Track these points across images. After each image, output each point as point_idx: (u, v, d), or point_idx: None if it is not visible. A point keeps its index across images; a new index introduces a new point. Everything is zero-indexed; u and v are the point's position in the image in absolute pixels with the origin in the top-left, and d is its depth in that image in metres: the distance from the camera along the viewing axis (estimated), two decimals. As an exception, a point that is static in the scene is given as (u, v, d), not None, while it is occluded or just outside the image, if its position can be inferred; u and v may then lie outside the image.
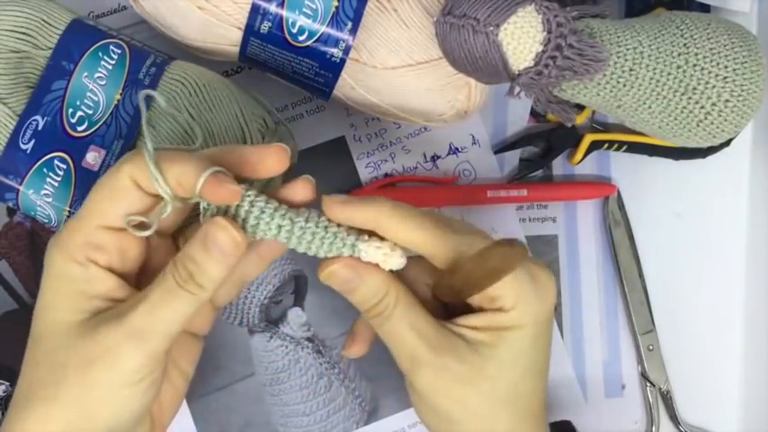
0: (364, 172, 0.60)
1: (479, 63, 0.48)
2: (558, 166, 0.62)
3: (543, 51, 0.47)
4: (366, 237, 0.44)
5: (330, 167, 0.54)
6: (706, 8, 0.62)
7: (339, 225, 0.44)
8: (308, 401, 0.59)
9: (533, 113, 0.62)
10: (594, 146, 0.60)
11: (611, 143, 0.60)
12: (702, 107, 0.50)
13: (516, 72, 0.48)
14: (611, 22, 0.51)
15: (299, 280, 0.59)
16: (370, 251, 0.44)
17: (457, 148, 0.61)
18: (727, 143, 0.60)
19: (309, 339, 0.59)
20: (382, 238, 0.44)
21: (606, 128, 0.62)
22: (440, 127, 0.59)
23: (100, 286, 0.43)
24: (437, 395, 0.45)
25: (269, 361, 0.59)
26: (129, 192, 0.42)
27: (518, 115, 0.62)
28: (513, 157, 0.61)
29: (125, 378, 0.42)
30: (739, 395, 0.63)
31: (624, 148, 0.61)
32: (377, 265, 0.44)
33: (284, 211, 0.43)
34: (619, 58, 0.49)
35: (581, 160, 0.61)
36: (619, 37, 0.49)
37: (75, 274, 0.42)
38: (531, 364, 0.45)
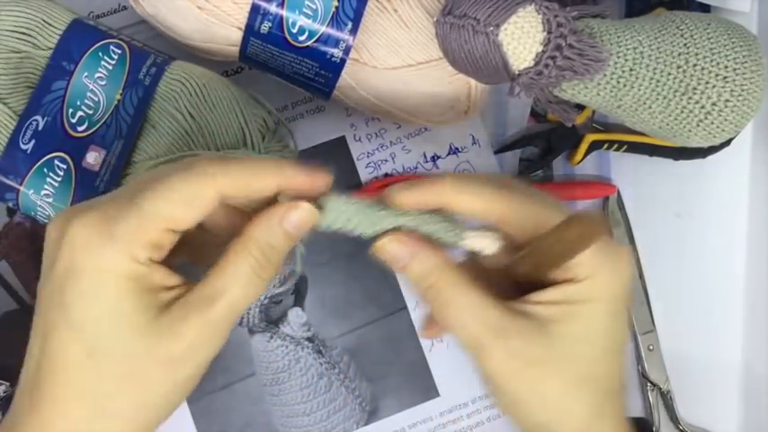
0: (364, 172, 0.60)
1: (479, 63, 0.48)
2: (558, 166, 0.62)
3: (543, 51, 0.47)
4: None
5: (330, 167, 0.54)
6: (706, 8, 0.62)
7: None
8: (308, 401, 0.59)
9: (533, 113, 0.62)
10: (594, 146, 0.60)
11: (612, 143, 0.60)
12: (703, 107, 0.50)
13: (516, 72, 0.48)
14: (611, 22, 0.51)
15: (300, 280, 0.59)
16: (472, 237, 0.43)
17: (457, 148, 0.61)
18: (728, 143, 0.60)
19: (309, 339, 0.59)
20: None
21: (606, 128, 0.62)
22: (440, 127, 0.59)
23: (157, 279, 0.40)
24: (508, 380, 0.42)
25: (269, 361, 0.59)
26: (212, 204, 0.40)
27: (518, 115, 0.61)
28: (513, 158, 0.61)
29: (200, 371, 0.41)
30: (739, 395, 0.63)
31: (624, 148, 0.61)
32: (430, 245, 0.43)
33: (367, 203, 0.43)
34: (619, 58, 0.49)
35: (581, 160, 0.61)
36: (619, 37, 0.49)
37: (140, 272, 0.39)
38: (610, 343, 0.43)
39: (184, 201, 0.39)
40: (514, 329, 0.42)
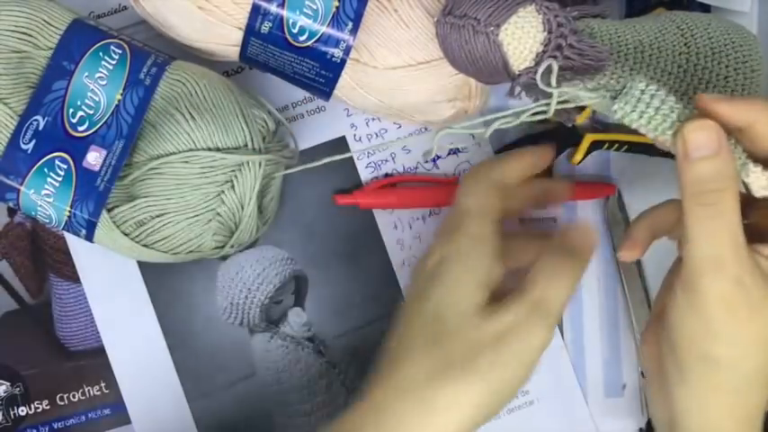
0: (365, 172, 0.60)
1: (480, 63, 0.48)
2: (559, 166, 0.62)
3: (544, 51, 0.47)
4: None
5: (330, 167, 0.54)
6: (706, 8, 0.62)
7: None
8: (308, 401, 0.59)
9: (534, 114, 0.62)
10: (594, 146, 0.60)
11: (612, 143, 0.60)
12: None
13: (517, 72, 0.48)
14: (611, 22, 0.51)
15: (300, 280, 0.59)
16: (758, 172, 0.43)
17: (457, 149, 0.61)
18: None
19: (310, 339, 0.59)
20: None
21: (606, 128, 0.62)
22: (440, 127, 0.59)
23: (497, 271, 0.47)
24: (719, 307, 0.43)
25: (269, 361, 0.59)
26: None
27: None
28: (513, 158, 0.61)
29: (533, 355, 0.45)
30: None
31: (624, 148, 0.61)
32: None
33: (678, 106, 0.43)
34: (619, 58, 0.49)
35: (581, 160, 0.61)
36: (619, 37, 0.50)
37: (488, 251, 0.47)
38: None
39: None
40: (751, 266, 0.43)
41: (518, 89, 0.49)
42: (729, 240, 0.42)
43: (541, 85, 0.45)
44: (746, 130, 0.42)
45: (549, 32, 0.47)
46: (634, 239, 0.50)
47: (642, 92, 0.43)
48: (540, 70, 0.45)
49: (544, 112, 0.47)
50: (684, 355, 0.46)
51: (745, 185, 0.44)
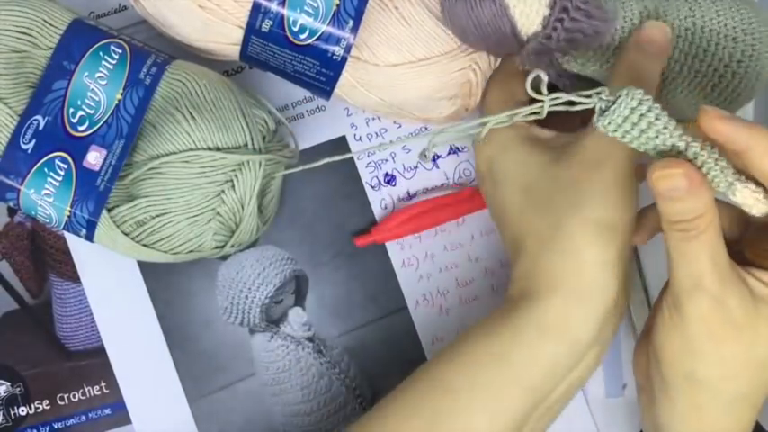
0: (365, 172, 0.60)
1: (488, 29, 0.48)
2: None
3: (550, 14, 0.47)
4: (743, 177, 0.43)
5: (330, 167, 0.54)
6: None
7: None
8: (308, 401, 0.59)
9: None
10: None
11: None
12: (716, 70, 0.50)
13: (525, 37, 0.48)
14: None
15: (300, 280, 0.59)
16: (745, 193, 0.42)
17: (457, 148, 0.61)
18: None
19: (310, 339, 0.59)
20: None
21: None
22: (441, 125, 0.59)
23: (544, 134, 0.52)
24: (700, 326, 0.44)
25: (270, 361, 0.59)
26: None
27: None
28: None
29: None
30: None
31: None
32: (706, 184, 0.42)
33: (674, 126, 0.42)
34: (625, 21, 0.49)
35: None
36: (623, 2, 0.50)
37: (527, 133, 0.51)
38: None
39: None
40: (734, 286, 0.43)
41: (527, 59, 0.49)
42: (708, 261, 0.43)
43: (531, 93, 0.45)
44: (742, 154, 0.42)
45: None
46: (643, 225, 0.50)
47: (632, 110, 0.42)
48: (530, 79, 0.44)
49: (538, 113, 0.46)
50: (669, 373, 0.46)
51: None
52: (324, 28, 0.50)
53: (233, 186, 0.51)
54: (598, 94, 0.43)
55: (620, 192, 0.46)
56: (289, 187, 0.58)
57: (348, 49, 0.50)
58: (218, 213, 0.51)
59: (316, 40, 0.50)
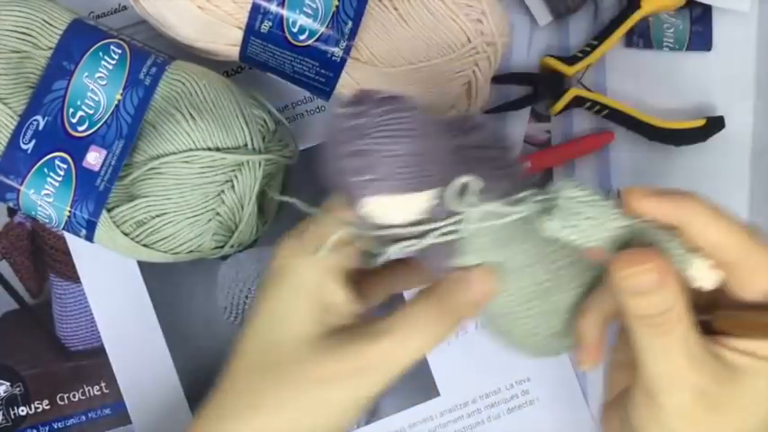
0: (365, 172, 0.60)
1: None
2: (557, 137, 0.62)
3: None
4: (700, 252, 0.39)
5: (330, 167, 0.54)
6: (707, 8, 0.62)
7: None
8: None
9: (534, 114, 0.62)
10: (577, 101, 0.60)
11: (594, 103, 0.60)
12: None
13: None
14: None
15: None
16: (700, 266, 0.39)
17: (457, 148, 0.61)
18: (723, 124, 0.61)
19: (310, 339, 0.59)
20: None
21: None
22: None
23: (335, 297, 0.42)
24: (682, 420, 0.40)
25: (269, 361, 0.59)
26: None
27: (519, 115, 0.62)
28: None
29: (362, 402, 0.42)
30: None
31: (606, 112, 0.60)
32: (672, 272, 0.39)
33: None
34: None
35: (560, 111, 0.61)
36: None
37: (318, 282, 0.42)
38: None
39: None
40: (709, 370, 0.40)
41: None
42: (684, 357, 0.40)
43: (453, 204, 0.39)
44: (681, 229, 0.40)
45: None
46: (588, 347, 0.44)
47: (576, 201, 0.39)
48: (453, 189, 0.39)
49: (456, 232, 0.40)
50: None
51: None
52: (323, 29, 0.50)
53: (233, 187, 0.51)
54: (531, 195, 0.39)
55: None
56: (289, 187, 0.58)
57: (347, 50, 0.50)
58: (218, 213, 0.51)
59: (315, 41, 0.50)
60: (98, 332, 0.58)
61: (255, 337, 0.43)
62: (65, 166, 0.49)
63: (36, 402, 0.57)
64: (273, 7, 0.50)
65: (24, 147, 0.49)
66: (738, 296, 0.40)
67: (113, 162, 0.50)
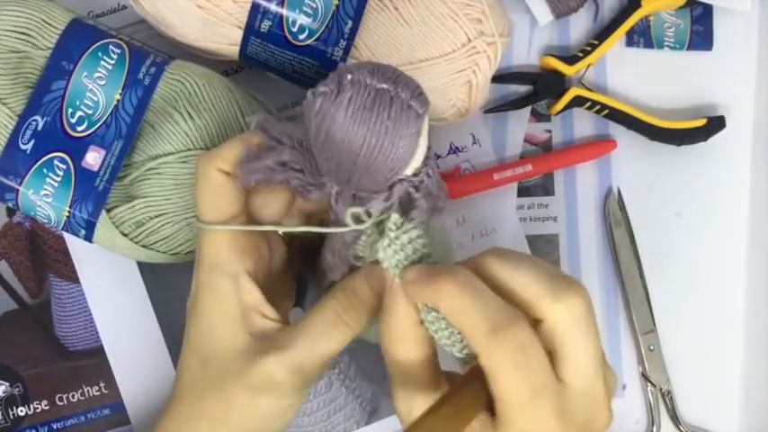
0: (364, 172, 0.60)
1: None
2: (557, 135, 0.62)
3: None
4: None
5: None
6: (708, 7, 0.62)
7: None
8: (308, 401, 0.59)
9: (534, 113, 0.62)
10: (577, 101, 0.60)
11: (594, 103, 0.60)
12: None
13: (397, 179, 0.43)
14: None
15: (300, 280, 0.59)
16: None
17: (457, 148, 0.61)
18: (723, 124, 0.61)
19: (310, 339, 0.59)
20: None
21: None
22: (440, 126, 0.58)
23: (250, 297, 0.44)
24: None
25: (269, 361, 0.58)
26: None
27: (519, 115, 0.61)
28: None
29: (283, 408, 0.43)
30: (740, 395, 0.63)
31: (606, 111, 0.61)
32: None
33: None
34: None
35: (561, 111, 0.61)
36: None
37: (233, 286, 0.44)
38: None
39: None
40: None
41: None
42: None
43: (349, 222, 0.42)
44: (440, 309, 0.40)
45: None
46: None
47: (395, 227, 0.41)
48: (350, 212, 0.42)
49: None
50: None
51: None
52: (323, 28, 0.50)
53: (232, 187, 0.51)
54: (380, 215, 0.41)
55: None
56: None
57: (347, 49, 0.50)
58: (218, 214, 0.51)
59: (315, 40, 0.50)
60: (97, 332, 0.58)
61: (193, 354, 0.45)
62: (64, 167, 0.49)
63: (35, 402, 0.57)
64: (273, 7, 0.50)
65: (23, 147, 0.49)
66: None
67: (112, 162, 0.50)
